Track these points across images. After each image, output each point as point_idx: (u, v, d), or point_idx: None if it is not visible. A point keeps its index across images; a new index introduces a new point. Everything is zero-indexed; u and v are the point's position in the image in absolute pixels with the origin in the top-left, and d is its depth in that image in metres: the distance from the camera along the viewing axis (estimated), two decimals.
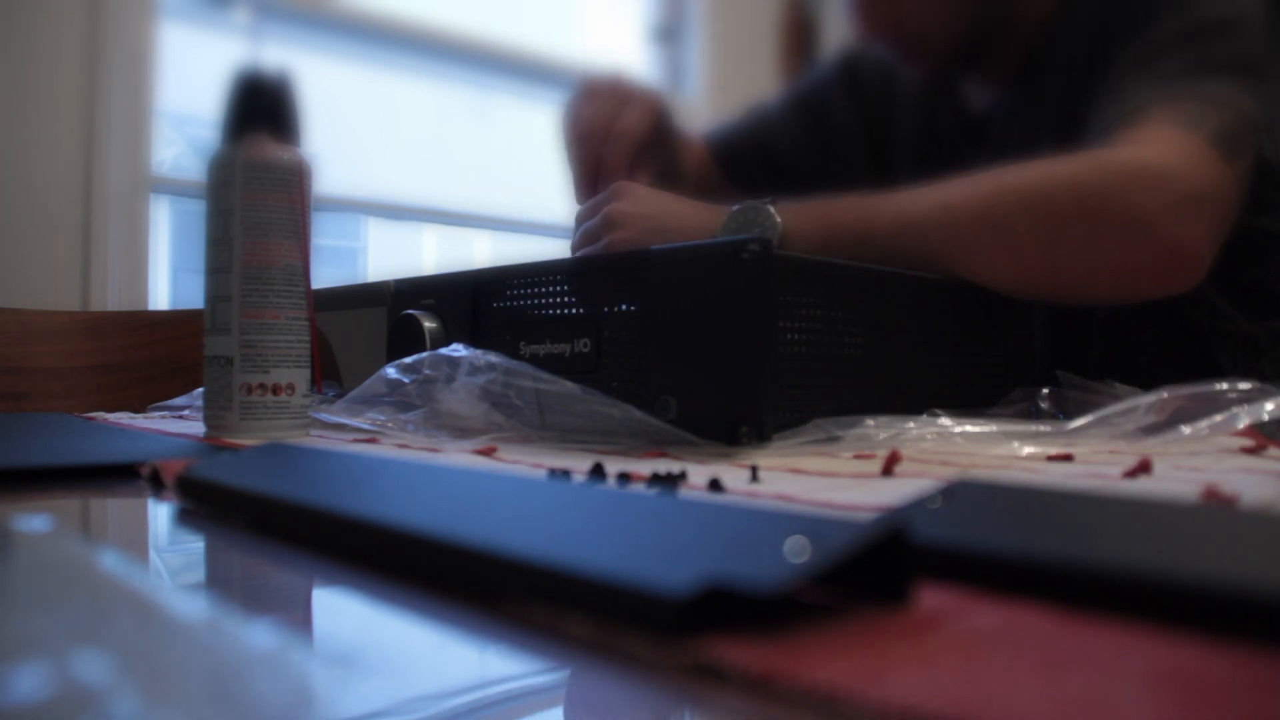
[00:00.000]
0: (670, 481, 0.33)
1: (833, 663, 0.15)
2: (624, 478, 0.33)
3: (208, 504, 0.33)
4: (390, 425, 0.53)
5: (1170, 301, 0.66)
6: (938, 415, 0.51)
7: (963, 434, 0.48)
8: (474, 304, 0.59)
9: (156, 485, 0.38)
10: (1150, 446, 0.44)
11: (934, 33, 0.80)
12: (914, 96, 0.93)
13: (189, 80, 1.57)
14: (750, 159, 1.00)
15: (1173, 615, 0.16)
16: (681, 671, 0.16)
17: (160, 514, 0.35)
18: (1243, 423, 0.45)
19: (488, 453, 0.45)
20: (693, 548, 0.19)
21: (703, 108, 2.28)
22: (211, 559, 0.29)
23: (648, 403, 0.48)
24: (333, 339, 0.71)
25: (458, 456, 0.44)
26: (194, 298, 1.14)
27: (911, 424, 0.48)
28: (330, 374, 0.71)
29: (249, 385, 0.51)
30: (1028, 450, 0.43)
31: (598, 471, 0.35)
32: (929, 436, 0.47)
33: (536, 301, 0.56)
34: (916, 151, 0.92)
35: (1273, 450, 0.42)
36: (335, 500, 0.27)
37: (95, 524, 0.36)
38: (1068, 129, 0.73)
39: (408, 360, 0.55)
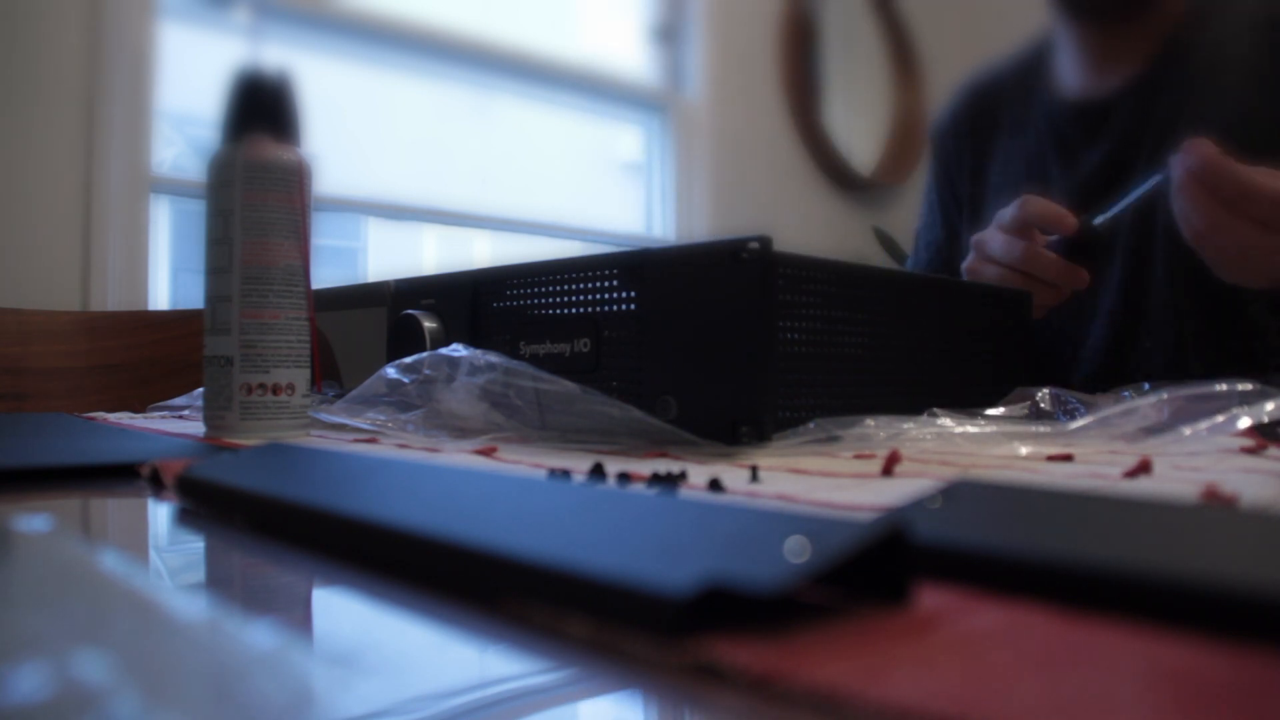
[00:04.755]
0: (670, 481, 0.33)
1: (833, 663, 0.15)
2: (624, 478, 0.33)
3: (208, 504, 0.33)
4: (390, 425, 0.53)
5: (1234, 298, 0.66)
6: (938, 415, 0.51)
7: (963, 434, 0.48)
8: (474, 304, 0.59)
9: (156, 485, 0.38)
10: (1150, 446, 0.44)
11: None
12: (1011, 99, 0.93)
13: (189, 80, 1.57)
14: None
15: (1173, 615, 0.16)
16: (681, 671, 0.16)
17: (160, 514, 0.35)
18: (1243, 423, 0.45)
19: (488, 453, 0.45)
20: (693, 548, 0.19)
21: (703, 108, 2.28)
22: (211, 559, 0.29)
23: (648, 403, 0.48)
24: (333, 339, 0.71)
25: (458, 456, 0.44)
26: (194, 298, 1.14)
27: (911, 424, 0.48)
28: (330, 374, 0.71)
29: (249, 385, 0.51)
30: (1028, 450, 0.43)
31: (598, 471, 0.35)
32: (929, 436, 0.47)
33: (536, 301, 0.56)
34: (1015, 151, 0.92)
35: (1273, 450, 0.42)
36: (335, 500, 0.27)
37: (95, 524, 0.36)
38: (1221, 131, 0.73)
39: (408, 360, 0.55)
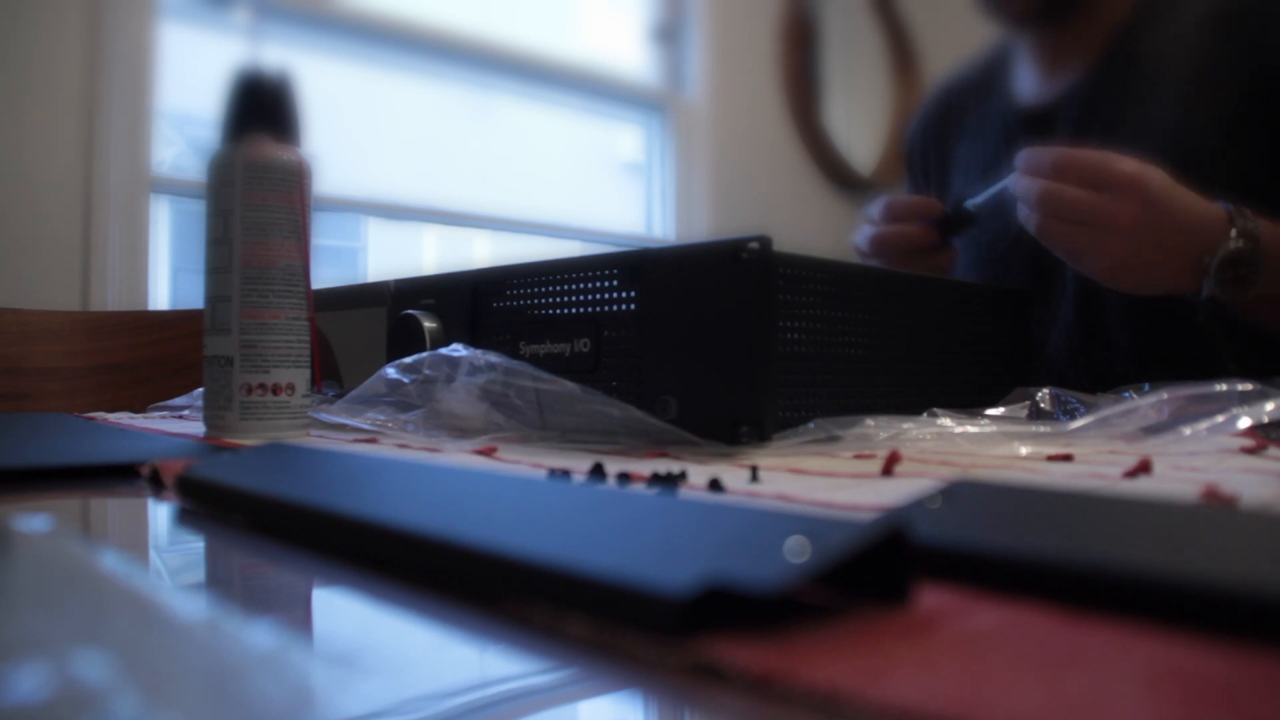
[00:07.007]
0: (670, 481, 0.33)
1: (833, 663, 0.15)
2: (624, 478, 0.33)
3: (208, 504, 0.33)
4: (390, 425, 0.53)
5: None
6: (938, 415, 0.51)
7: (963, 434, 0.48)
8: (474, 304, 0.59)
9: (156, 485, 0.38)
10: (1150, 446, 0.44)
11: None
12: (970, 98, 0.95)
13: (189, 80, 1.57)
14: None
15: (1173, 615, 0.16)
16: (681, 671, 0.16)
17: (160, 514, 0.35)
18: (1243, 423, 0.45)
19: (488, 453, 0.45)
20: (693, 548, 0.19)
21: (703, 108, 2.29)
22: (211, 559, 0.29)
23: (648, 403, 0.48)
24: (333, 339, 0.71)
25: (458, 456, 0.44)
26: (194, 298, 1.14)
27: (911, 424, 0.48)
28: (330, 374, 0.71)
29: (249, 385, 0.51)
30: (1028, 450, 0.43)
31: (598, 471, 0.35)
32: (929, 436, 0.47)
33: (536, 301, 0.56)
34: (974, 156, 0.93)
35: (1273, 450, 0.42)
36: (335, 500, 0.27)
37: (95, 524, 0.36)
38: (1165, 132, 0.74)
39: (408, 360, 0.55)
